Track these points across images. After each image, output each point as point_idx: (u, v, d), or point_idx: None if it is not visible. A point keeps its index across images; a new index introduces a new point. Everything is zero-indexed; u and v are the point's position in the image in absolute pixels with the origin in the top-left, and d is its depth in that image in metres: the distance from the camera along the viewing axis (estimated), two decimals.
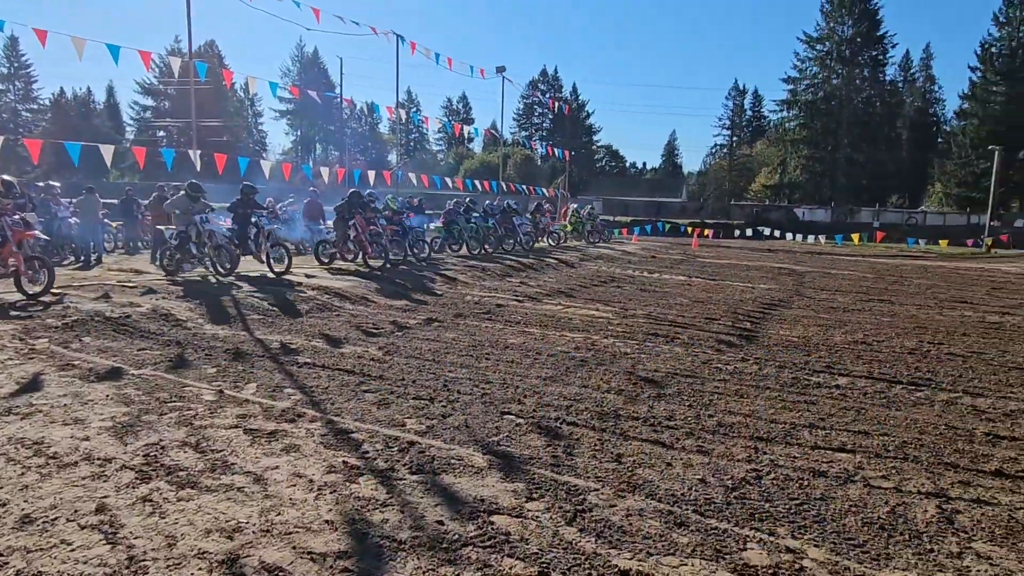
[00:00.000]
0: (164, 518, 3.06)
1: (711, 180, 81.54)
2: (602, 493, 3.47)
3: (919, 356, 7.20)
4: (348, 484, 3.49)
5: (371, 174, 19.73)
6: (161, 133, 66.46)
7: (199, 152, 15.22)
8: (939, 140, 61.32)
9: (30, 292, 8.04)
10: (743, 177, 73.20)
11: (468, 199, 18.31)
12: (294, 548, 2.82)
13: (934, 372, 6.47)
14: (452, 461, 3.84)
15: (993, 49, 52.57)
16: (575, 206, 24.66)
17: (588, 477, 3.68)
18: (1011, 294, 13.41)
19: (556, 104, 62.34)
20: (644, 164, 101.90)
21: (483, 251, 16.54)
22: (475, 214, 17.00)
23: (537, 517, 3.18)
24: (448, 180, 23.19)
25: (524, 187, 29.10)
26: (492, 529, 3.04)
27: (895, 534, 3.13)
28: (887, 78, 61.61)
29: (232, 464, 3.72)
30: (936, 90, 68.31)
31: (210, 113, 41.35)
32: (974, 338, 8.34)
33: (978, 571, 2.81)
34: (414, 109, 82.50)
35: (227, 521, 3.04)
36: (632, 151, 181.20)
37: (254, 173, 17.82)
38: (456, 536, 2.96)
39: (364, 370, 5.89)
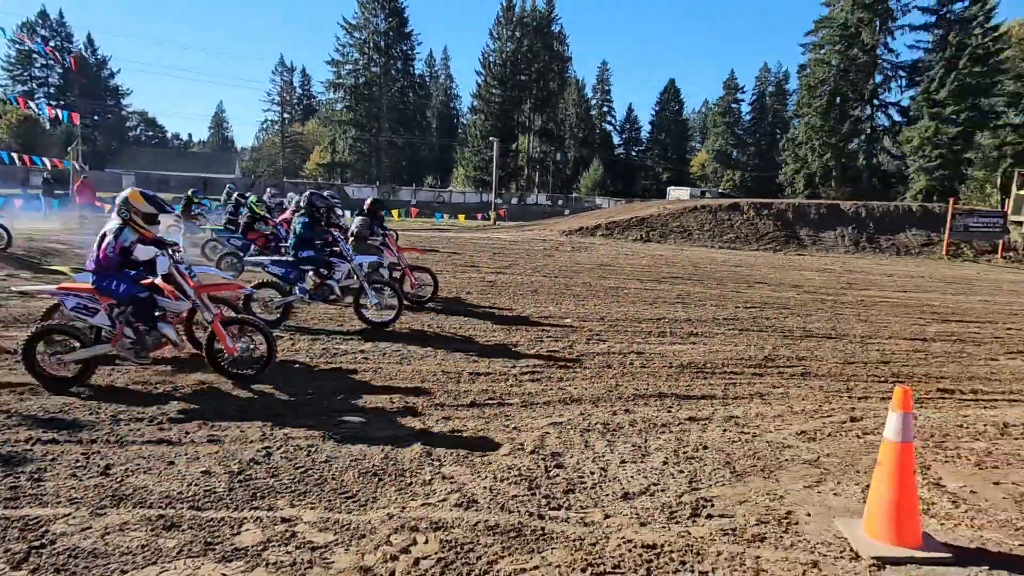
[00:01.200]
0: None
1: (265, 156, 79.36)
2: (74, 517, 2.94)
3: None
4: None
5: None
6: None
7: None
8: (459, 131, 72.52)
9: None
10: (298, 155, 73.45)
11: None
12: None
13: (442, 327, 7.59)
14: None
15: (491, 58, 64.46)
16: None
17: (59, 503, 3.07)
18: (505, 257, 16.79)
19: (60, 55, 51.05)
20: (190, 136, 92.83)
21: None
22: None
23: None
24: None
25: (19, 157, 22.99)
26: None
27: (385, 477, 3.51)
28: (417, 72, 69.87)
29: None
30: (455, 87, 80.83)
31: None
32: (475, 295, 10.12)
33: (440, 490, 3.36)
34: None
35: None
36: (174, 121, 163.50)
37: None
38: None
39: None
